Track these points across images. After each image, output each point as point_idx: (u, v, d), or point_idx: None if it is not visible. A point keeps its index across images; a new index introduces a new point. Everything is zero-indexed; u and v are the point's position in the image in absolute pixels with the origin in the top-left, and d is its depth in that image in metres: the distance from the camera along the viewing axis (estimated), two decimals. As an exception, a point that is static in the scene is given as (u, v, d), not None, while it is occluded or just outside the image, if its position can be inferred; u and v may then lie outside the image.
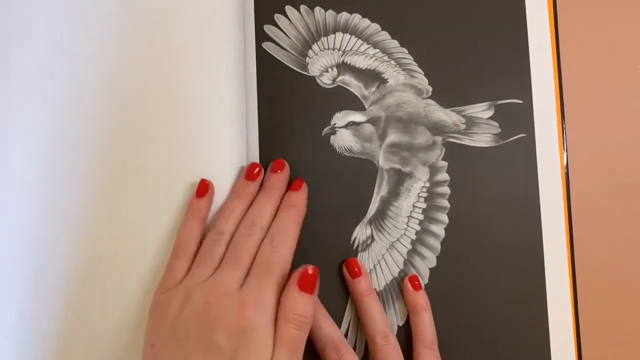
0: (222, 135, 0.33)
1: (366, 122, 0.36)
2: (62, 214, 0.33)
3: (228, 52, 0.34)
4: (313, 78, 0.36)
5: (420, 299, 0.33)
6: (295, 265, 0.33)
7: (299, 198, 0.33)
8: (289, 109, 0.35)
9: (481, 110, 0.36)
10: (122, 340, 0.32)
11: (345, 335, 0.34)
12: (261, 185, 0.34)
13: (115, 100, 0.33)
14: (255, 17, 0.36)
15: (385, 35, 0.36)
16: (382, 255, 0.35)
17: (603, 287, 0.36)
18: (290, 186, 0.33)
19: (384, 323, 0.33)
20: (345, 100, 0.36)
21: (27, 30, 0.33)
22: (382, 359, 0.31)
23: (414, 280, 0.34)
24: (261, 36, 0.36)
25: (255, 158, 0.35)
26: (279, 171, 0.33)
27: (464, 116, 0.36)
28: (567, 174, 0.36)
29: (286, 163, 0.34)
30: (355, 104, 0.36)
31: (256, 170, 0.33)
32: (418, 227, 0.35)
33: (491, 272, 0.35)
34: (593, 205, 0.36)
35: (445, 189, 0.35)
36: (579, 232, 0.35)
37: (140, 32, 0.34)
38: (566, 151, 0.36)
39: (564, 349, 0.34)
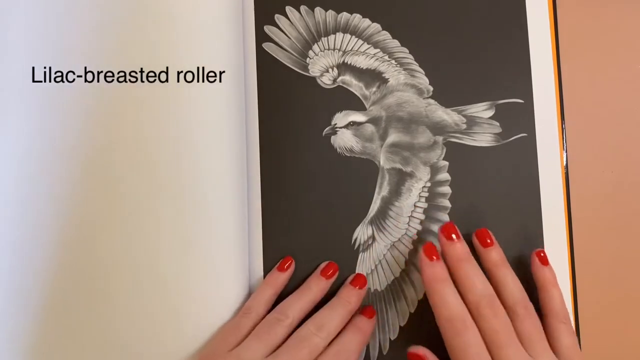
0: (222, 137, 0.33)
1: (367, 122, 0.36)
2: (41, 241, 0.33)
3: (228, 52, 0.34)
4: (313, 78, 0.36)
5: (547, 274, 0.33)
6: (297, 274, 0.34)
7: (369, 326, 0.33)
8: (289, 109, 0.35)
9: (482, 110, 0.36)
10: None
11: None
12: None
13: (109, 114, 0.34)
14: (255, 17, 0.36)
15: (386, 35, 0.36)
16: (384, 256, 0.35)
17: (603, 287, 0.36)
18: (362, 309, 0.34)
19: (522, 292, 0.32)
20: (346, 100, 0.36)
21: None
22: (523, 328, 0.31)
23: (541, 254, 0.34)
24: (261, 37, 0.36)
25: (256, 159, 0.35)
26: (358, 287, 0.33)
27: (464, 116, 0.36)
28: (567, 173, 0.36)
29: (366, 281, 0.34)
30: (356, 104, 0.36)
31: (330, 271, 0.34)
32: (419, 227, 0.35)
33: (492, 271, 0.35)
34: (593, 205, 0.36)
35: (447, 189, 0.35)
36: (579, 232, 0.35)
37: (140, 32, 0.34)
38: (566, 151, 0.36)
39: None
